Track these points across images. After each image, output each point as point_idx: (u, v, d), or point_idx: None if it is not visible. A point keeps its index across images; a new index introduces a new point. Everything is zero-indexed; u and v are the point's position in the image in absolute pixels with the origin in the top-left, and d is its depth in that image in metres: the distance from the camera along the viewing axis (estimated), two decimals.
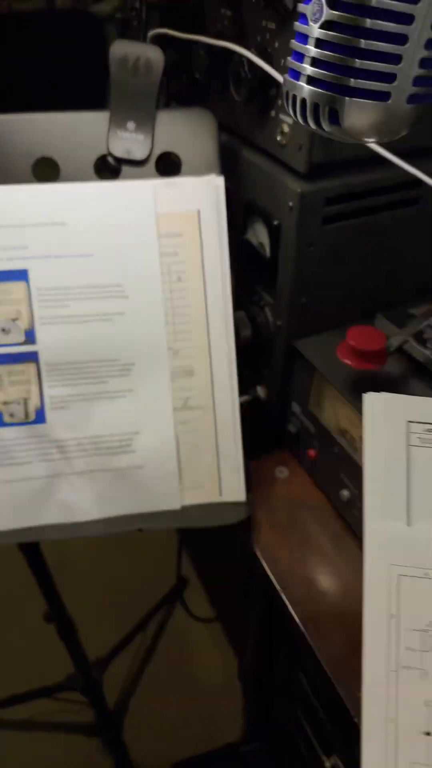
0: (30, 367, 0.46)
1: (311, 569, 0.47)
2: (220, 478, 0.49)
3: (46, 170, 0.46)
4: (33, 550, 0.69)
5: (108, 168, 0.46)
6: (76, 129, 0.45)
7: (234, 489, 0.49)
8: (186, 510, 0.49)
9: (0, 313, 0.45)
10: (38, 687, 1.04)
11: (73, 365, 0.46)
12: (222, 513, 0.50)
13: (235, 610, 1.04)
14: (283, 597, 0.45)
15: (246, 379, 0.63)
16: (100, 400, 0.47)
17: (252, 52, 0.41)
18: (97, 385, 0.47)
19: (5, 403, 0.46)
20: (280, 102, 0.44)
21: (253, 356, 0.58)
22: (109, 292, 0.46)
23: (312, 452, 0.51)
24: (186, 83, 0.55)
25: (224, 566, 1.12)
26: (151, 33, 0.48)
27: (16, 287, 0.45)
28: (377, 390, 0.38)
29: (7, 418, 0.46)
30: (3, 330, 0.45)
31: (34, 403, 0.46)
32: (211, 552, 1.17)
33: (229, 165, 0.52)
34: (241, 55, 0.42)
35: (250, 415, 0.60)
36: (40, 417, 0.46)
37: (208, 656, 1.19)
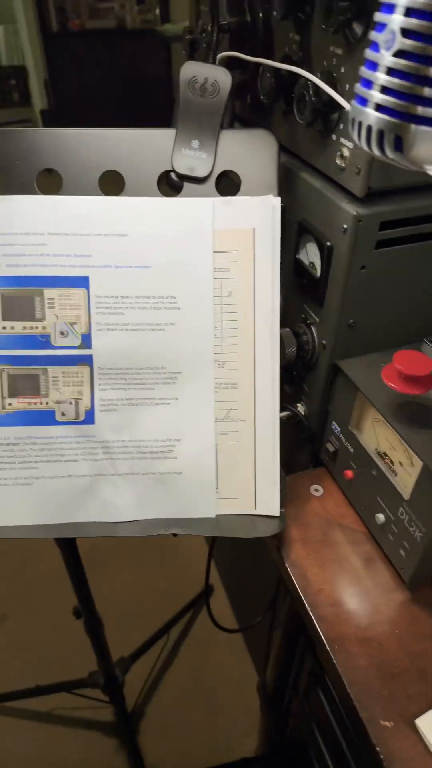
0: (84, 370, 0.48)
1: (341, 590, 0.47)
2: (256, 490, 0.50)
3: (112, 183, 0.48)
4: (69, 546, 0.71)
5: (170, 184, 0.48)
6: (143, 145, 0.47)
7: (269, 502, 0.50)
8: (220, 519, 0.50)
9: (60, 316, 0.47)
10: (60, 681, 1.06)
11: (123, 371, 0.48)
12: (255, 525, 0.50)
13: (258, 623, 1.04)
14: (311, 614, 0.45)
15: (287, 396, 0.64)
16: (146, 405, 0.49)
17: (318, 77, 0.42)
18: (145, 391, 0.49)
19: (58, 402, 0.48)
20: (341, 126, 0.45)
21: (296, 373, 0.59)
22: (162, 303, 0.48)
23: (349, 473, 0.51)
24: (249, 104, 0.57)
25: (250, 578, 1.12)
26: (221, 55, 0.50)
27: (77, 293, 0.47)
28: (420, 416, 0.38)
29: (59, 416, 0.48)
30: (62, 333, 0.47)
31: (84, 404, 0.48)
32: (238, 563, 1.18)
33: (286, 185, 0.54)
34: (307, 80, 0.43)
35: (289, 431, 0.61)
36: (89, 418, 0.48)
37: (227, 666, 1.19)
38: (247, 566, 1.11)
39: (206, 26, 0.64)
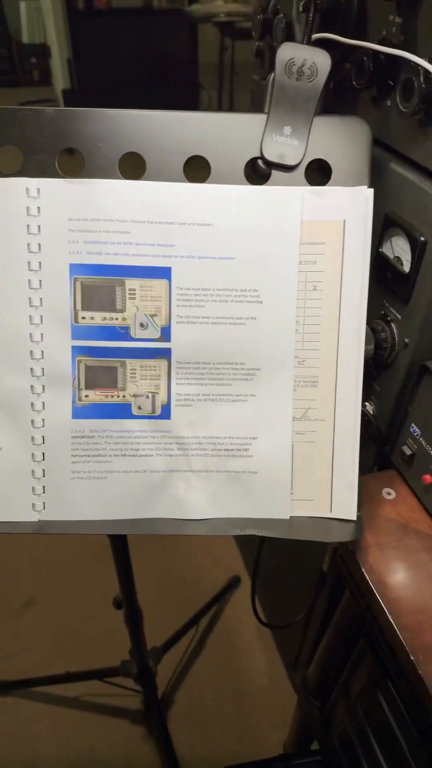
0: (162, 363, 0.46)
1: (423, 597, 0.46)
2: (332, 493, 0.49)
3: (195, 169, 0.46)
4: (120, 538, 0.70)
5: (257, 172, 0.46)
6: (231, 130, 0.45)
7: (345, 506, 0.49)
8: (294, 521, 0.49)
9: (141, 308, 0.45)
10: (91, 669, 1.06)
11: (201, 365, 0.47)
12: (330, 529, 0.49)
13: (291, 617, 1.04)
14: (393, 622, 0.44)
15: None
16: (223, 402, 0.47)
17: (428, 62, 0.40)
18: (222, 387, 0.47)
19: (135, 395, 0.47)
20: None
21: (367, 371, 0.57)
22: (244, 296, 0.46)
23: (429, 477, 0.50)
24: (333, 90, 0.54)
25: (280, 570, 1.12)
26: (316, 36, 0.47)
27: (158, 284, 0.45)
28: None
29: (135, 410, 0.47)
30: (141, 325, 0.46)
31: (161, 398, 0.47)
32: (266, 554, 1.17)
33: (373, 175, 0.51)
34: (416, 65, 0.41)
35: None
36: (165, 412, 0.47)
37: (255, 659, 1.19)
38: (276, 558, 1.11)
39: (279, 6, 0.62)
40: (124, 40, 3.26)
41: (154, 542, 1.36)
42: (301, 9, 0.50)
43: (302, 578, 0.98)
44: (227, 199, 0.45)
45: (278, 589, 1.23)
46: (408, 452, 0.52)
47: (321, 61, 0.43)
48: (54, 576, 1.32)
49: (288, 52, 0.43)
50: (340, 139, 0.46)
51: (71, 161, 0.47)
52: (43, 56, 4.43)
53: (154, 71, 3.32)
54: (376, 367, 0.55)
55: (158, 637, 1.11)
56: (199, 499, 0.48)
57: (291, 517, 0.49)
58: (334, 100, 0.55)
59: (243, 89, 3.61)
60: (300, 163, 0.45)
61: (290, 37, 0.56)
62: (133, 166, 0.46)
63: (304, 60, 0.43)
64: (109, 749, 1.06)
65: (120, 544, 0.70)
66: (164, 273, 0.45)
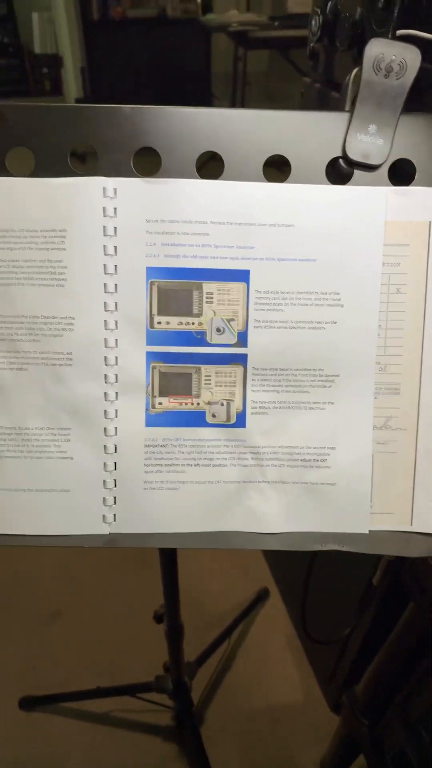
0: (237, 370, 0.45)
1: None
2: (413, 505, 0.47)
3: (274, 169, 0.45)
4: (171, 550, 0.68)
5: (338, 171, 0.45)
6: (313, 129, 0.44)
7: (428, 519, 0.47)
8: (373, 535, 0.47)
9: (218, 312, 0.44)
10: (124, 684, 1.04)
11: (277, 371, 0.45)
12: (410, 543, 0.47)
13: (326, 630, 1.01)
14: None
15: None
16: (300, 410, 0.45)
17: None
18: (299, 394, 0.45)
19: (210, 403, 0.45)
20: None
21: None
22: (325, 299, 0.44)
23: None
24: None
25: (321, 585, 1.09)
26: (401, 32, 0.46)
27: (236, 288, 0.44)
28: None
29: (209, 418, 0.45)
30: (218, 330, 0.44)
31: (236, 405, 0.45)
32: (296, 565, 1.14)
33: None
34: None
35: None
36: (240, 421, 0.45)
37: (287, 673, 1.16)
38: (309, 570, 1.08)
39: (339, 6, 0.61)
40: (138, 49, 3.28)
41: (180, 552, 1.34)
42: (381, 5, 0.48)
43: (340, 590, 0.96)
44: (309, 200, 0.43)
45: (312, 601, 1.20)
46: None
47: (411, 57, 0.41)
48: (80, 587, 1.30)
49: (377, 49, 0.41)
50: (426, 138, 0.44)
51: (140, 161, 0.45)
52: (55, 66, 4.45)
53: (167, 80, 3.33)
54: None
55: (188, 651, 1.08)
56: (275, 511, 0.46)
57: (370, 531, 0.47)
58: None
59: (255, 99, 3.62)
60: (384, 162, 0.44)
61: (357, 37, 0.55)
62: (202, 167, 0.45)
63: (394, 56, 0.42)
64: (141, 767, 1.03)
65: (169, 558, 0.68)
66: (242, 276, 0.44)
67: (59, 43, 4.01)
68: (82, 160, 0.43)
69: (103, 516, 0.45)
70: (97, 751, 1.06)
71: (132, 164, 0.44)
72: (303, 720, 1.09)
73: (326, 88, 0.68)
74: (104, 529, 0.45)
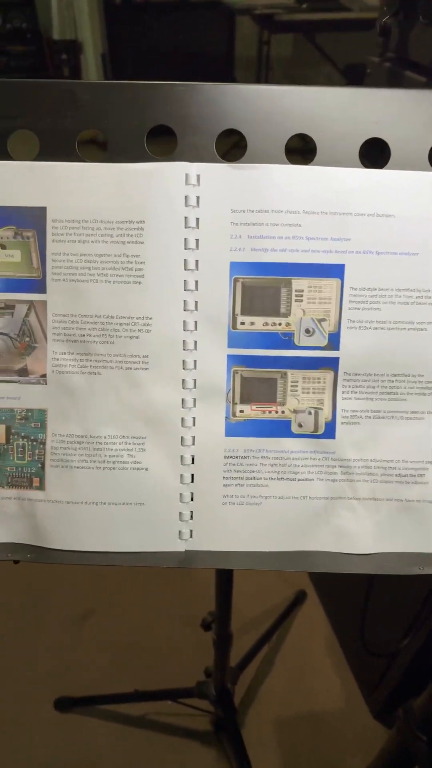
0: (327, 375, 0.41)
1: None
2: None
3: (370, 153, 0.40)
4: None
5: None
6: (414, 109, 0.39)
7: None
8: None
9: (308, 311, 0.40)
10: (162, 688, 1.01)
11: (372, 377, 0.41)
12: None
13: (374, 640, 0.98)
14: None
15: None
16: (396, 420, 0.41)
17: None
18: (395, 402, 0.41)
19: (296, 411, 0.41)
20: None
21: None
22: (427, 298, 0.40)
23: None
24: None
25: (350, 585, 1.06)
26: None
27: (329, 284, 0.40)
28: None
29: (295, 428, 0.41)
30: (307, 331, 0.40)
31: (325, 414, 0.41)
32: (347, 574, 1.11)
33: None
34: None
35: None
36: (329, 431, 0.41)
37: (328, 679, 1.13)
38: (370, 581, 1.04)
39: None
40: (160, 34, 3.21)
41: None
42: None
43: (395, 599, 0.92)
44: (411, 188, 0.39)
45: (352, 607, 1.17)
46: None
47: None
48: (111, 586, 1.28)
49: None
50: None
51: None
52: (74, 52, 4.40)
53: (189, 65, 3.26)
54: None
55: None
56: (365, 530, 0.42)
57: None
58: None
59: (278, 84, 3.53)
60: None
61: None
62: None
63: None
64: None
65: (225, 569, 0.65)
66: (336, 271, 0.40)
67: (79, 29, 3.94)
68: (103, 148, 0.39)
69: (179, 532, 0.42)
70: (134, 754, 1.03)
71: (215, 148, 0.40)
72: (345, 728, 1.06)
73: (399, 67, 0.63)
74: (180, 546, 0.42)
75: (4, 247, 0.40)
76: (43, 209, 0.39)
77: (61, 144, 0.40)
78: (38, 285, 0.40)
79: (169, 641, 1.17)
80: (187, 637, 1.17)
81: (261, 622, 1.18)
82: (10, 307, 0.40)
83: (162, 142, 0.42)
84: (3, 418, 0.41)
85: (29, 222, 0.39)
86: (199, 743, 1.04)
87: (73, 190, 0.39)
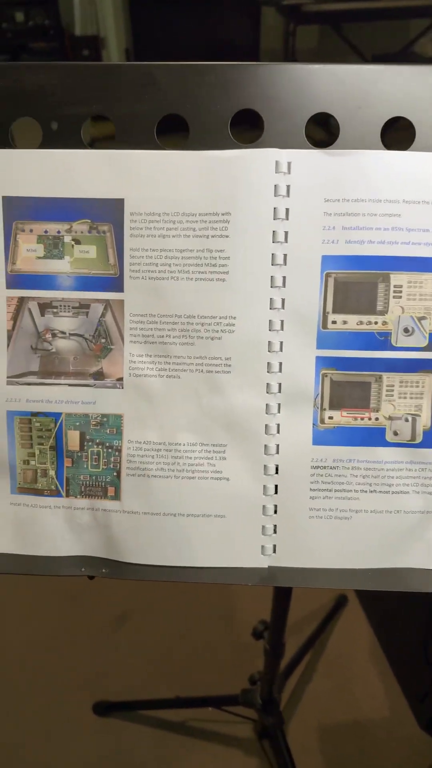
0: (427, 379, 0.37)
1: None
2: None
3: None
4: None
5: None
6: None
7: None
8: None
9: (407, 309, 0.37)
10: (205, 695, 0.99)
11: None
12: None
13: (412, 644, 0.94)
14: None
15: None
16: None
17: None
18: None
19: (391, 418, 0.38)
20: None
21: None
22: None
23: None
24: None
25: (408, 597, 1.02)
26: None
27: (429, 279, 0.36)
28: None
29: (389, 436, 0.38)
30: (405, 330, 0.37)
31: (423, 422, 0.38)
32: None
33: None
34: None
35: None
36: (427, 440, 0.38)
37: (372, 687, 1.10)
38: None
39: None
40: (185, 26, 3.17)
41: None
42: None
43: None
44: None
45: (395, 612, 1.13)
46: None
47: None
48: (147, 589, 1.26)
49: None
50: None
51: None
52: (96, 48, 4.39)
53: (214, 58, 3.22)
54: None
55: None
56: None
57: None
58: None
59: None
60: None
61: None
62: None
63: None
64: None
65: None
66: None
67: (101, 24, 3.93)
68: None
69: (262, 547, 0.39)
70: (174, 761, 1.02)
71: (305, 133, 0.37)
72: (392, 737, 1.03)
73: None
74: (263, 562, 0.39)
75: (78, 242, 0.37)
76: (121, 201, 0.36)
77: (138, 130, 0.37)
78: (115, 283, 0.37)
79: (207, 645, 1.15)
80: (225, 640, 1.15)
81: (301, 627, 1.15)
82: (84, 306, 0.38)
83: (242, 130, 0.39)
84: (77, 423, 0.39)
85: (105, 215, 0.37)
86: (242, 751, 1.01)
87: (152, 181, 0.36)
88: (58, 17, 4.40)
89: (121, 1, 3.19)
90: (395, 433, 0.38)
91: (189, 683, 1.08)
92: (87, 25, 4.32)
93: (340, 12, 2.81)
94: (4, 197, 0.37)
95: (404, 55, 3.24)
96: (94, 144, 0.38)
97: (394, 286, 0.36)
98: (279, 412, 0.38)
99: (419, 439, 0.38)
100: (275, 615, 0.68)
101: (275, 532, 0.39)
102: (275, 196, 0.36)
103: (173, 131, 0.40)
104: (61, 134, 0.37)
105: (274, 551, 0.39)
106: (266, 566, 0.39)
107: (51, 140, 0.37)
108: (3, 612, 1.22)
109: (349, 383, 0.38)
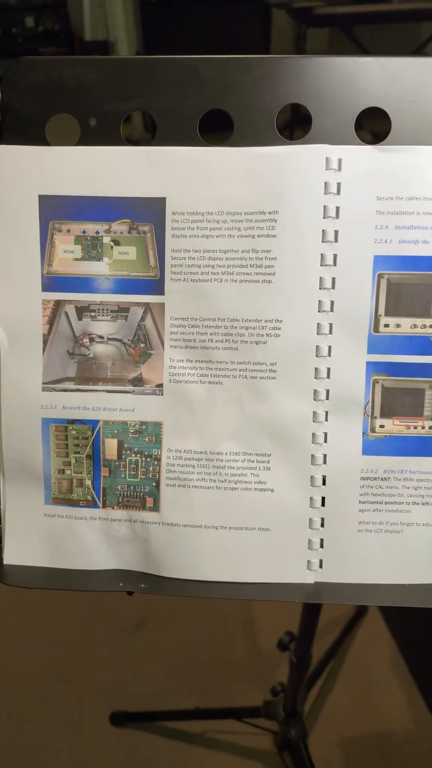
0: None
1: None
2: None
3: None
4: None
5: None
6: None
7: None
8: None
9: None
10: (228, 707, 0.97)
11: None
12: None
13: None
14: None
15: None
16: None
17: None
18: None
19: None
20: None
21: None
22: None
23: None
24: None
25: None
26: None
27: None
28: None
29: None
30: None
31: None
32: None
33: None
34: None
35: None
36: None
37: (394, 697, 1.07)
38: None
39: None
40: (196, 30, 3.18)
41: None
42: None
43: None
44: None
45: (416, 621, 1.11)
46: None
47: None
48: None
49: None
50: None
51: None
52: (105, 52, 4.41)
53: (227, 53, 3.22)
54: None
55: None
56: None
57: None
58: None
59: None
60: None
61: None
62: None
63: None
64: None
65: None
66: None
67: (111, 28, 3.94)
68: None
69: (308, 562, 0.37)
70: None
71: (354, 129, 0.35)
72: (415, 750, 1.00)
73: None
74: (308, 578, 0.37)
75: (117, 243, 0.36)
76: (162, 200, 0.35)
77: (180, 126, 0.36)
78: (155, 285, 0.36)
79: (227, 654, 1.13)
80: (245, 649, 1.13)
81: (321, 636, 1.13)
82: (123, 310, 0.36)
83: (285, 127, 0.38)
84: (115, 431, 0.37)
85: (146, 215, 0.35)
86: (262, 764, 0.99)
87: (196, 178, 0.35)
88: (68, 22, 4.42)
89: (131, 5, 3.20)
90: None
91: (208, 693, 1.06)
92: (96, 30, 4.34)
93: (350, 15, 2.80)
94: (40, 196, 0.35)
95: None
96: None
97: None
98: (327, 420, 0.36)
99: None
100: (304, 627, 0.66)
101: (321, 546, 0.37)
102: (325, 193, 0.34)
103: (212, 128, 0.39)
104: (100, 131, 0.36)
105: (321, 566, 0.37)
106: (312, 582, 0.37)
107: (89, 137, 0.36)
108: (18, 618, 1.21)
109: (402, 390, 0.36)
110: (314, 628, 0.67)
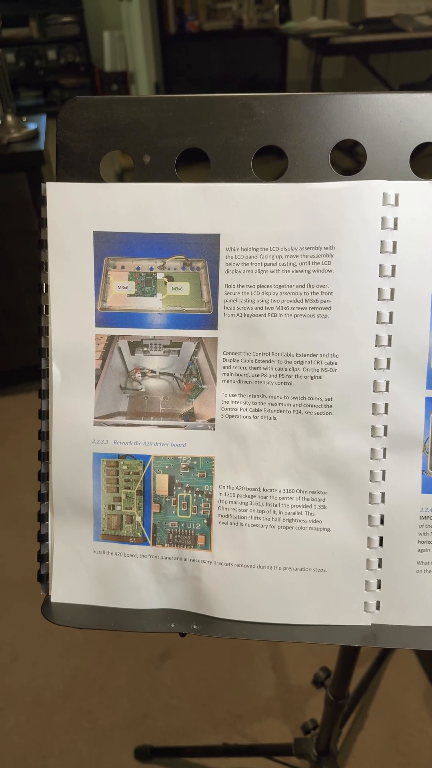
0: None
1: None
2: None
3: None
4: None
5: None
6: None
7: None
8: None
9: None
10: (258, 743, 0.94)
11: None
12: None
13: None
14: None
15: None
16: None
17: None
18: None
19: None
20: None
21: None
22: None
23: None
24: None
25: None
26: None
27: None
28: None
29: None
30: None
31: None
32: None
33: None
34: None
35: None
36: None
37: (427, 735, 1.03)
38: None
39: None
40: (214, 61, 3.26)
41: None
42: None
43: None
44: None
45: None
46: None
47: None
48: None
49: None
50: None
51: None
52: (124, 82, 4.53)
53: (243, 89, 3.30)
54: None
55: (319, 707, 0.98)
56: None
57: None
58: None
59: None
60: None
61: None
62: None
63: None
64: None
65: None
66: None
67: (131, 59, 4.05)
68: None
69: (365, 603, 0.36)
70: None
71: (409, 164, 0.35)
72: None
73: None
74: (365, 620, 0.36)
75: (171, 279, 0.36)
76: (217, 236, 0.35)
77: (234, 163, 0.36)
78: (208, 320, 0.36)
79: (257, 688, 1.10)
80: (275, 683, 1.10)
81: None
82: (176, 344, 0.36)
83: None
84: (166, 467, 0.36)
85: (200, 251, 0.35)
86: None
87: (250, 215, 0.35)
88: (89, 55, 4.57)
89: (151, 38, 3.29)
90: None
91: (235, 729, 1.03)
92: (116, 62, 4.47)
93: (366, 43, 2.85)
94: (95, 232, 0.36)
95: (431, 84, 3.28)
96: (123, 175, 0.36)
97: None
98: (385, 457, 0.35)
99: None
100: (342, 664, 0.64)
101: (379, 587, 0.36)
102: (382, 228, 0.34)
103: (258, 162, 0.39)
104: (154, 168, 0.36)
105: (378, 608, 0.36)
106: (369, 624, 0.36)
107: (143, 174, 0.36)
108: (42, 649, 1.19)
109: None
110: (353, 665, 0.65)
